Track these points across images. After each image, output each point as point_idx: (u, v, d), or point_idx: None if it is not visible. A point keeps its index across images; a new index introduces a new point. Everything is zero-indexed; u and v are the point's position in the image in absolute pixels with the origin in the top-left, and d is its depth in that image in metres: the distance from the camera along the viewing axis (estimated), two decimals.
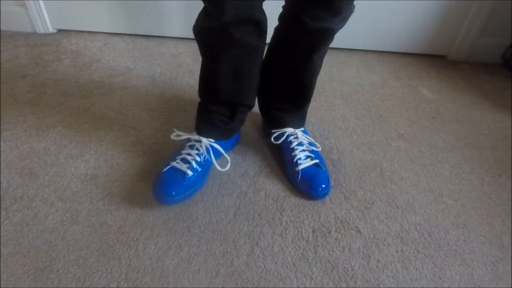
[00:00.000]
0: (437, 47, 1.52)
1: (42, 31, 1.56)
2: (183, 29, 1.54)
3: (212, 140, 0.91)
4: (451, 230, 0.86)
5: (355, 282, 0.74)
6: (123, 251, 0.77)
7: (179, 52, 1.48)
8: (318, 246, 0.80)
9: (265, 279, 0.74)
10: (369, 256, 0.79)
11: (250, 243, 0.80)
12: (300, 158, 0.92)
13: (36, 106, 1.15)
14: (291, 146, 0.95)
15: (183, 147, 0.91)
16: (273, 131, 0.98)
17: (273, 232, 0.83)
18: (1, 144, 1.01)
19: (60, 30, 1.59)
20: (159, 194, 0.83)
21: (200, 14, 0.78)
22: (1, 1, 1.49)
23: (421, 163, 1.03)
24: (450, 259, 0.80)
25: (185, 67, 1.39)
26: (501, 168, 1.03)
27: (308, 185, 0.90)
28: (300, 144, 0.95)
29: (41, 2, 1.49)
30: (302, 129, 1.00)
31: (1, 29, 1.57)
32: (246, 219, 0.85)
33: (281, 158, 0.99)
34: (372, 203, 0.91)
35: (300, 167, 0.91)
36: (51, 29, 1.57)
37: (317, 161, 0.93)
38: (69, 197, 0.88)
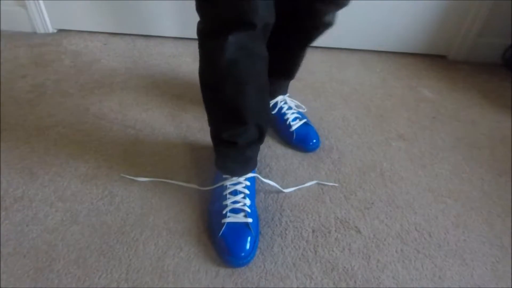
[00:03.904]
0: (437, 47, 1.51)
1: (42, 31, 1.56)
2: (183, 29, 1.53)
3: (250, 175, 0.84)
4: (451, 230, 0.86)
5: (355, 282, 0.74)
6: (123, 251, 0.77)
7: (179, 52, 1.48)
8: (318, 246, 0.80)
9: (265, 279, 0.74)
10: (369, 256, 0.79)
11: None
12: (293, 120, 1.03)
13: (36, 106, 1.15)
14: (282, 111, 1.04)
15: (220, 198, 0.81)
16: None
17: (273, 232, 0.83)
18: (1, 144, 1.01)
19: (60, 30, 1.59)
20: (233, 258, 0.75)
21: (205, 61, 0.70)
22: (1, 1, 1.49)
23: (421, 163, 1.03)
24: (450, 259, 0.80)
25: (185, 67, 1.39)
26: (501, 168, 1.03)
27: (302, 142, 1.02)
28: (289, 108, 1.05)
29: (41, 2, 1.49)
30: (288, 94, 1.08)
31: (1, 29, 1.57)
32: None
33: (274, 124, 1.06)
34: (372, 203, 0.91)
35: (294, 127, 1.02)
36: (51, 29, 1.57)
37: (305, 120, 1.04)
38: (69, 197, 0.88)
